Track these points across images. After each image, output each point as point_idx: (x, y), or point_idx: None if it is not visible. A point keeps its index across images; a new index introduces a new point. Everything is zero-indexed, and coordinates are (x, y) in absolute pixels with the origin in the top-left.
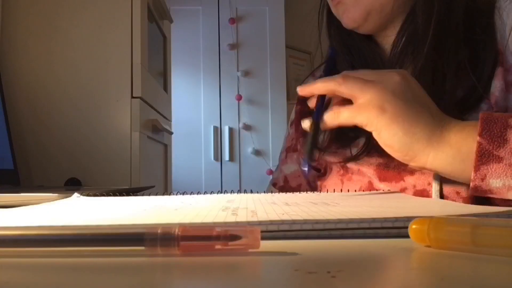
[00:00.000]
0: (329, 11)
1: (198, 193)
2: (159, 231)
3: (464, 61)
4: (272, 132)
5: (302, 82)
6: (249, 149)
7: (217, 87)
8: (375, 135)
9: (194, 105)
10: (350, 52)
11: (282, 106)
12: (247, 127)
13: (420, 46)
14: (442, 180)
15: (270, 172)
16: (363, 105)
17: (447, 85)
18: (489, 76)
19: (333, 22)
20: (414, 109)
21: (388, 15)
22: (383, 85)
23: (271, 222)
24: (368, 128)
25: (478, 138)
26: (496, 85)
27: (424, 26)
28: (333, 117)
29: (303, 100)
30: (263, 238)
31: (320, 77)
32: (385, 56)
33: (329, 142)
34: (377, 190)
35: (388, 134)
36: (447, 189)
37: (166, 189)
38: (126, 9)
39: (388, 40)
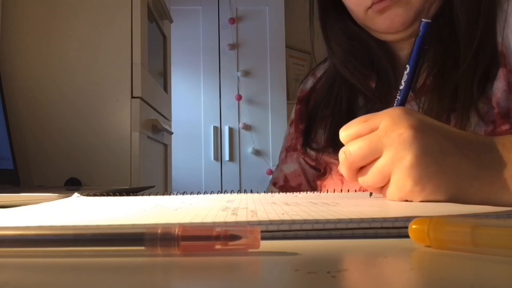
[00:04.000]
0: (325, 14)
1: (198, 193)
2: (159, 231)
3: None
4: (272, 132)
5: (302, 80)
6: (249, 149)
7: (217, 87)
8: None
9: (194, 105)
10: (346, 58)
11: (282, 106)
12: (247, 127)
13: (466, 45)
14: None
15: (270, 172)
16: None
17: (476, 76)
18: (487, 77)
19: (330, 25)
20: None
21: (429, 18)
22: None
23: (271, 222)
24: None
25: None
26: (498, 86)
27: (469, 28)
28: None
29: (303, 99)
30: (263, 238)
31: (321, 76)
32: (399, 61)
33: (326, 143)
34: None
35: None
36: None
37: (166, 189)
38: (126, 9)
39: (406, 46)
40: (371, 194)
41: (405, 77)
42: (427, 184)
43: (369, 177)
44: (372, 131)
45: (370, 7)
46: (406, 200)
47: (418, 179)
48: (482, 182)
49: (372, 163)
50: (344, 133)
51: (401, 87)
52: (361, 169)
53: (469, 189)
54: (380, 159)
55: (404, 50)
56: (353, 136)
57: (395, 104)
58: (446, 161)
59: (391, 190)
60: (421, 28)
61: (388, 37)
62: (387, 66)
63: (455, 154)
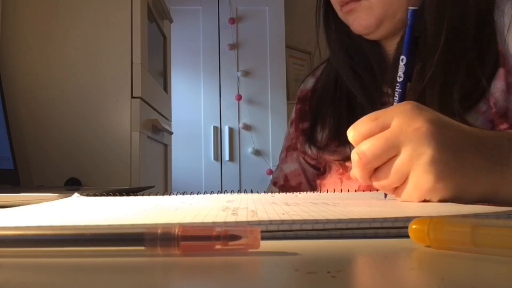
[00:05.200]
0: (326, 13)
1: (198, 193)
2: (159, 231)
3: (472, 61)
4: (272, 132)
5: (302, 81)
6: (249, 149)
7: (217, 87)
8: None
9: (194, 105)
10: (348, 54)
11: (282, 106)
12: (247, 127)
13: (429, 53)
14: None
15: (270, 172)
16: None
17: (455, 88)
18: (489, 77)
19: (330, 23)
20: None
21: (400, 22)
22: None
23: (271, 222)
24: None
25: None
26: (497, 86)
27: (434, 34)
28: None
29: (303, 99)
30: (263, 238)
31: (321, 75)
32: (388, 58)
33: (328, 141)
34: (376, 189)
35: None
36: None
37: (166, 189)
38: (126, 9)
39: (392, 44)
40: (386, 195)
41: (402, 69)
42: (449, 181)
43: (386, 178)
44: (384, 129)
45: (341, 9)
46: (424, 200)
47: (440, 175)
48: (495, 176)
49: (387, 162)
50: (353, 133)
51: (400, 80)
52: (375, 170)
53: (485, 184)
54: (398, 157)
55: (390, 47)
56: (364, 135)
57: (396, 98)
58: (463, 157)
59: (409, 189)
60: (408, 17)
61: (366, 37)
62: (375, 65)
63: (469, 149)
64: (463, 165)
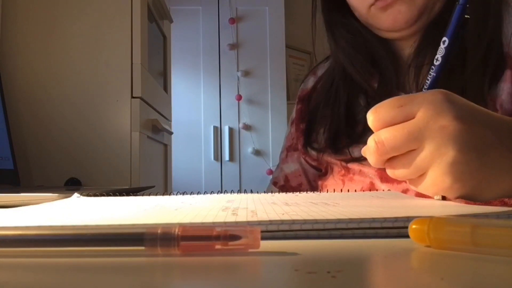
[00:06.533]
0: (329, 12)
1: (198, 193)
2: (159, 231)
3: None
4: (272, 132)
5: (302, 80)
6: (249, 149)
7: (217, 87)
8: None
9: (194, 105)
10: (352, 53)
11: (282, 106)
12: (247, 127)
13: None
14: None
15: (270, 172)
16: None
17: (486, 78)
18: (494, 78)
19: (334, 22)
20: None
21: (433, 16)
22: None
23: (271, 222)
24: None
25: None
26: (503, 88)
27: (474, 47)
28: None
29: (304, 99)
30: (263, 238)
31: (322, 76)
32: (402, 61)
33: (326, 145)
34: (376, 190)
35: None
36: None
37: (166, 189)
38: (126, 9)
39: (409, 44)
40: (443, 198)
41: (442, 52)
42: (468, 181)
43: (402, 168)
44: (408, 118)
45: (373, 4)
46: (443, 196)
47: (459, 176)
48: None
49: (405, 153)
50: (373, 117)
51: (437, 63)
52: (391, 158)
53: (509, 181)
54: (419, 153)
55: (406, 49)
56: (386, 122)
57: (427, 82)
58: (489, 156)
59: (426, 184)
60: None
61: (391, 35)
62: (389, 65)
63: (497, 147)
64: (486, 164)
